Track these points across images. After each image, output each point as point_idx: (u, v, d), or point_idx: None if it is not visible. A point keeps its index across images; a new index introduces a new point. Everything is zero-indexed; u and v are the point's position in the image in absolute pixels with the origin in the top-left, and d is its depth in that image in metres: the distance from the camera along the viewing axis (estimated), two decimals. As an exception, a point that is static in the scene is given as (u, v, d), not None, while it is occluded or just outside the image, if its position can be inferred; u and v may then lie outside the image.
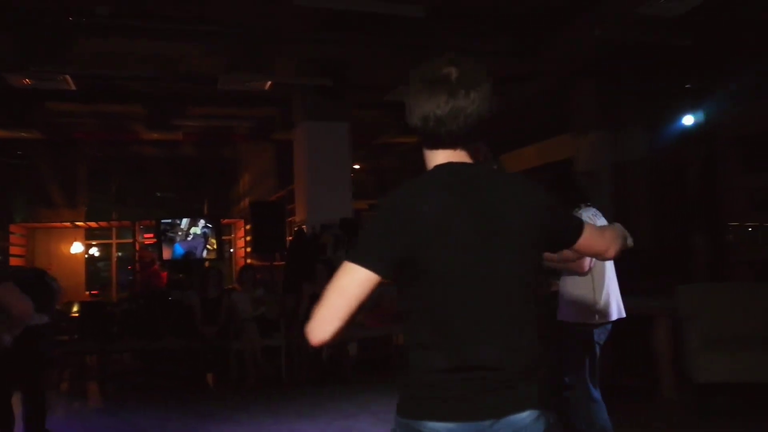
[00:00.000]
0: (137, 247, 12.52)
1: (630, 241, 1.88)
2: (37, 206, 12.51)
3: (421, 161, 1.58)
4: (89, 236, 13.39)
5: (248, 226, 12.14)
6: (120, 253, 13.76)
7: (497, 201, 1.47)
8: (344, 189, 8.51)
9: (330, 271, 6.94)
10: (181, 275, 9.96)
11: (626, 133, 8.17)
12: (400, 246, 1.41)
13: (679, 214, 7.33)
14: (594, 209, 3.56)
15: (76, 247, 12.68)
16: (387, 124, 10.74)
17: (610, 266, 3.61)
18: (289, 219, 9.77)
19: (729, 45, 6.69)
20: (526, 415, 1.41)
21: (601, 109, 8.32)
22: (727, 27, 6.45)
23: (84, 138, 11.80)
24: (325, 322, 1.40)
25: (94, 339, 7.19)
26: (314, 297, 6.89)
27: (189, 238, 11.41)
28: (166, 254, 11.31)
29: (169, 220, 11.48)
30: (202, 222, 11.65)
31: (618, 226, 1.89)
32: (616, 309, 3.62)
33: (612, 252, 1.76)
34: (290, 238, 9.38)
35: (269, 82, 7.77)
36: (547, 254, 1.71)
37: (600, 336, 3.56)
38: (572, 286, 3.54)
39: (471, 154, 1.53)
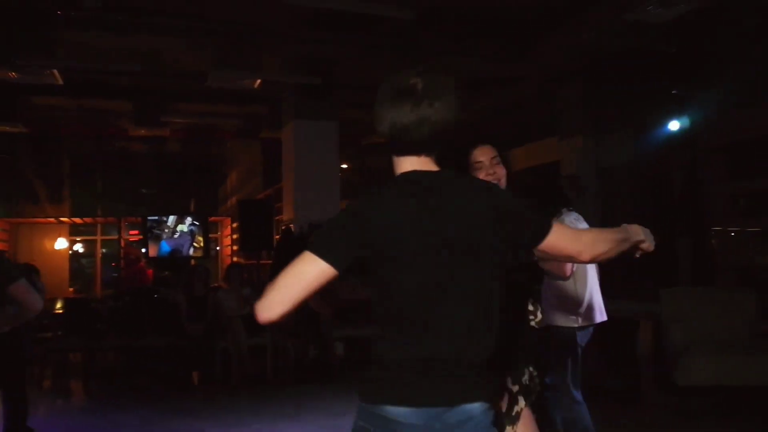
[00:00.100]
0: (122, 244, 12.45)
1: (648, 244, 1.79)
2: (21, 201, 12.39)
3: (445, 161, 1.68)
4: (73, 232, 13.29)
5: (235, 224, 12.11)
6: (104, 250, 13.67)
7: (455, 206, 1.54)
8: (332, 188, 8.50)
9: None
10: (167, 273, 9.92)
11: (612, 138, 8.24)
12: (357, 246, 1.51)
13: (663, 219, 7.41)
14: (576, 213, 3.58)
15: (60, 243, 12.58)
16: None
17: (592, 270, 3.65)
18: (277, 218, 9.75)
19: (713, 53, 6.77)
20: (476, 406, 1.50)
21: (588, 113, 8.39)
22: (712, 35, 6.54)
23: (69, 133, 11.70)
24: (275, 303, 1.50)
25: (78, 336, 7.13)
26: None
27: (175, 236, 11.36)
28: (152, 251, 11.26)
29: (156, 218, 11.43)
30: (189, 219, 11.61)
31: (626, 228, 1.76)
32: (599, 312, 3.66)
33: (586, 256, 1.65)
34: (277, 236, 9.37)
35: (258, 80, 7.75)
36: (537, 254, 1.74)
37: (582, 339, 3.60)
38: (555, 289, 3.57)
39: (437, 161, 1.63)
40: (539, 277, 2.36)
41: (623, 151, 8.14)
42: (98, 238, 13.48)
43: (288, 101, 8.69)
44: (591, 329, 3.63)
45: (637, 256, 1.86)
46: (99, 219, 13.18)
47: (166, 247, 11.27)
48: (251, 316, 6.19)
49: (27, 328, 3.84)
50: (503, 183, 2.32)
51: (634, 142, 8.04)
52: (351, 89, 8.43)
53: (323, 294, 1.57)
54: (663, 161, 7.82)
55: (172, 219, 11.51)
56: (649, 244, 1.79)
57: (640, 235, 1.77)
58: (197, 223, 11.68)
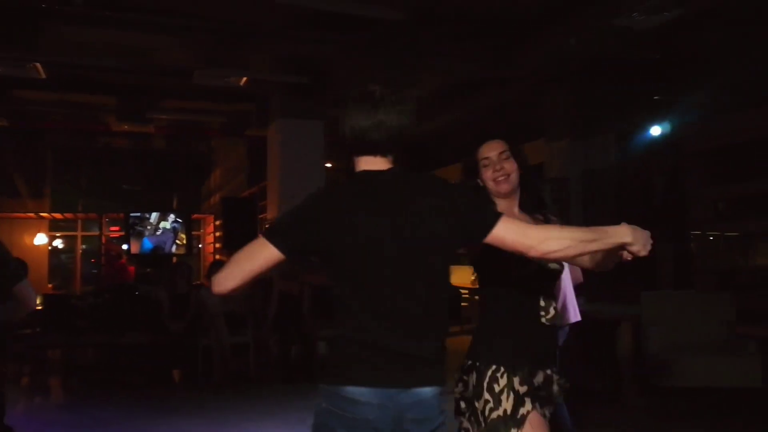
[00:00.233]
0: (104, 240, 12.33)
1: (637, 248, 1.69)
2: (1, 195, 12.21)
3: (402, 161, 1.80)
4: (53, 228, 13.12)
5: (218, 222, 12.05)
6: (85, 246, 13.51)
7: (406, 201, 1.66)
8: (317, 187, 8.49)
9: (302, 267, 6.96)
10: (149, 270, 9.84)
11: (597, 142, 8.33)
12: (305, 235, 1.67)
13: (645, 222, 7.49)
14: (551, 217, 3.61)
15: (40, 239, 12.42)
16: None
17: (565, 270, 3.65)
18: (261, 216, 9.72)
19: (695, 60, 6.87)
20: (427, 390, 1.64)
21: (574, 116, 8.46)
22: (695, 42, 6.63)
23: (52, 127, 11.55)
24: (229, 278, 1.67)
25: (58, 333, 7.06)
26: (285, 294, 6.89)
27: (158, 233, 11.28)
28: (134, 248, 11.17)
29: (138, 214, 11.34)
30: (172, 217, 11.53)
31: (602, 229, 1.71)
32: (573, 312, 3.69)
33: (535, 252, 1.65)
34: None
35: (245, 78, 7.72)
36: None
37: (559, 338, 3.63)
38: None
39: (393, 161, 1.75)
40: (551, 275, 2.17)
41: (607, 154, 8.24)
42: (78, 234, 13.32)
43: (274, 99, 8.67)
44: (566, 329, 3.67)
45: (628, 259, 1.80)
46: (80, 215, 13.03)
47: (148, 243, 11.18)
48: (234, 314, 6.18)
49: (6, 325, 3.80)
50: (513, 179, 2.19)
51: (618, 146, 8.13)
52: (339, 89, 8.43)
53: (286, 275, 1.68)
54: (645, 165, 7.92)
55: (154, 216, 11.43)
56: (639, 248, 1.71)
57: (625, 238, 1.69)
58: (180, 221, 11.61)
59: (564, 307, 3.65)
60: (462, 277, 9.70)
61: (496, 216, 1.68)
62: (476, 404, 2.06)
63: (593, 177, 8.24)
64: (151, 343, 6.92)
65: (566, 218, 3.69)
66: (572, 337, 3.79)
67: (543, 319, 2.12)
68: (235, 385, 6.39)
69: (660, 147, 7.61)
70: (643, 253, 1.71)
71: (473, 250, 2.00)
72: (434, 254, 1.67)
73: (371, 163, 1.73)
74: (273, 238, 1.67)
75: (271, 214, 8.95)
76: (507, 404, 2.02)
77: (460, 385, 2.13)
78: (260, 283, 7.62)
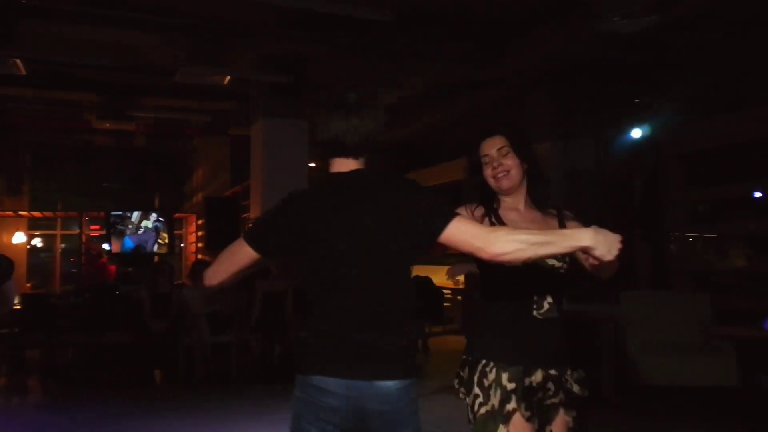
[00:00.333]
0: (84, 239, 12.21)
1: (601, 252, 1.61)
2: (-22, 193, 12.04)
3: (374, 162, 1.91)
4: (32, 226, 12.95)
5: (201, 221, 11.98)
6: (64, 245, 13.35)
7: (370, 201, 1.75)
8: (300, 187, 8.46)
9: (285, 269, 6.96)
10: (130, 269, 9.77)
11: (578, 143, 8.42)
12: (278, 235, 1.82)
13: (624, 224, 7.60)
14: None
15: (18, 237, 12.25)
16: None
17: None
18: (244, 215, 9.69)
19: (674, 65, 6.98)
20: (392, 384, 1.72)
21: (555, 118, 8.54)
22: (674, 47, 6.74)
23: (32, 124, 11.41)
24: (217, 274, 1.88)
25: (37, 332, 6.97)
26: (268, 294, 6.88)
27: (140, 232, 11.20)
28: (116, 247, 11.08)
29: (120, 213, 11.25)
30: (153, 215, 11.46)
31: (560, 232, 1.74)
32: None
33: (486, 254, 1.66)
34: (244, 234, 9.30)
35: (228, 77, 7.70)
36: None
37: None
38: None
39: (366, 163, 1.85)
40: (550, 271, 2.08)
41: (588, 156, 8.33)
42: (58, 232, 13.16)
43: (258, 98, 8.64)
44: None
45: (591, 263, 1.79)
46: (59, 213, 12.87)
47: (129, 243, 11.10)
48: (216, 314, 6.19)
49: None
50: (513, 175, 2.14)
51: (599, 148, 8.23)
52: (323, 89, 8.42)
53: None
54: (625, 167, 8.03)
55: (136, 215, 11.35)
56: (602, 252, 1.63)
57: (584, 242, 1.63)
58: (162, 220, 11.53)
59: None
60: (445, 277, 9.75)
61: (449, 217, 1.71)
62: (467, 399, 2.07)
63: (574, 178, 8.33)
64: (133, 342, 6.86)
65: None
66: None
67: (535, 313, 2.06)
68: (217, 385, 6.37)
69: (640, 149, 7.71)
70: (608, 257, 1.63)
71: (435, 250, 1.97)
72: (392, 253, 1.74)
73: (344, 165, 1.84)
74: (249, 239, 1.84)
75: (254, 213, 8.93)
76: (495, 399, 2.01)
77: (456, 380, 2.14)
78: (243, 282, 7.60)
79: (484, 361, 2.06)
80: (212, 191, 12.29)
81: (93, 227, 12.72)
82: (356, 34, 6.73)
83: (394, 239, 1.73)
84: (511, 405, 1.99)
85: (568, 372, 2.11)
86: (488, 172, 2.17)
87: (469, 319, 9.03)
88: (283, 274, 6.79)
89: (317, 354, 1.75)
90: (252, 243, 1.83)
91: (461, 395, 2.13)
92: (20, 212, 12.19)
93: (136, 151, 13.13)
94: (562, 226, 2.15)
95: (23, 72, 7.30)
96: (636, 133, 7.62)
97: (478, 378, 2.05)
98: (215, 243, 9.39)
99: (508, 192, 2.17)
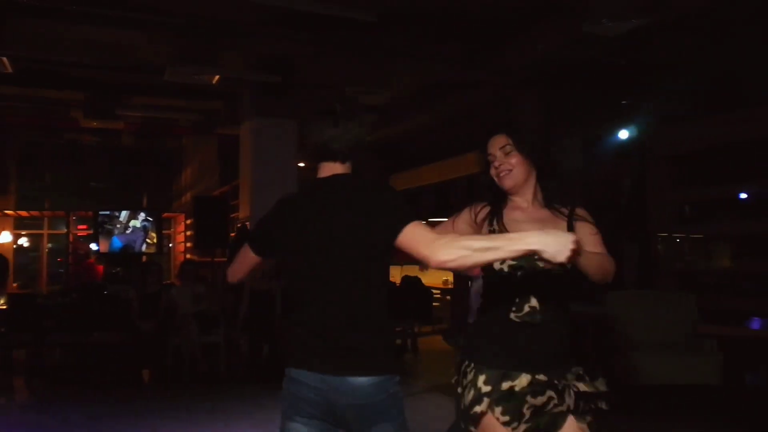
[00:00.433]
0: (71, 239, 12.13)
1: (550, 254, 1.59)
2: (-36, 192, 11.93)
3: (362, 163, 2.04)
4: (19, 225, 12.86)
5: (189, 221, 11.94)
6: (51, 245, 13.26)
7: (344, 205, 1.86)
8: (289, 187, 8.47)
9: (273, 269, 6.95)
10: (118, 269, 9.71)
11: (564, 145, 8.47)
12: (268, 238, 1.99)
13: (612, 224, 7.66)
14: None
15: (4, 237, 12.16)
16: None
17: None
18: (233, 215, 9.66)
19: (661, 66, 7.04)
20: (364, 380, 1.78)
21: (542, 120, 8.59)
22: (660, 49, 6.80)
23: (18, 123, 11.31)
24: (234, 272, 2.13)
25: (24, 332, 6.93)
26: (256, 293, 6.87)
27: (128, 231, 11.14)
28: (103, 247, 11.02)
29: (108, 212, 11.19)
30: (142, 215, 11.40)
31: (505, 236, 1.71)
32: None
33: (432, 261, 1.69)
34: (233, 234, 9.28)
35: (217, 77, 7.67)
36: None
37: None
38: (474, 289, 3.69)
39: (351, 168, 1.96)
40: (542, 273, 2.00)
41: (575, 157, 8.38)
42: (45, 232, 13.07)
43: (247, 98, 8.63)
44: None
45: (544, 266, 1.80)
46: (46, 212, 12.78)
47: (117, 242, 11.04)
48: (204, 314, 6.20)
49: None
50: (516, 173, 2.11)
51: (585, 150, 8.29)
52: (312, 88, 8.43)
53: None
54: (612, 169, 8.09)
55: (124, 214, 11.29)
56: (551, 255, 1.61)
57: (531, 245, 1.61)
58: (150, 219, 11.48)
59: (470, 308, 3.71)
60: (434, 277, 9.78)
61: (404, 223, 1.75)
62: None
63: (560, 179, 8.37)
64: (121, 342, 6.84)
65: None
66: None
67: (512, 316, 2.02)
68: (206, 385, 6.36)
69: (627, 150, 7.77)
70: (560, 258, 1.61)
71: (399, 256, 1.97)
72: (361, 255, 1.82)
73: (330, 169, 1.95)
74: (248, 241, 2.06)
75: (242, 213, 8.91)
76: (467, 399, 2.01)
77: (453, 380, 2.16)
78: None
79: (466, 362, 2.08)
80: (201, 191, 12.25)
81: (80, 227, 12.64)
82: (344, 34, 6.73)
83: (362, 242, 1.81)
84: (481, 407, 1.97)
85: (571, 377, 2.02)
86: (492, 171, 2.15)
87: (457, 319, 9.06)
88: (271, 273, 6.79)
89: (297, 348, 1.88)
90: (250, 244, 2.05)
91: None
92: (6, 211, 12.10)
93: (124, 150, 13.06)
94: (570, 227, 2.09)
95: (9, 70, 7.25)
96: (623, 134, 7.68)
97: (460, 378, 2.08)
98: (204, 243, 9.35)
99: (512, 190, 2.14)
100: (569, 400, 2.00)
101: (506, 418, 1.94)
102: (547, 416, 1.97)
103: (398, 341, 8.03)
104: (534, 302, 2.03)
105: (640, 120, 7.55)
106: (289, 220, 1.93)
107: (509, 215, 2.14)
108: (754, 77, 6.36)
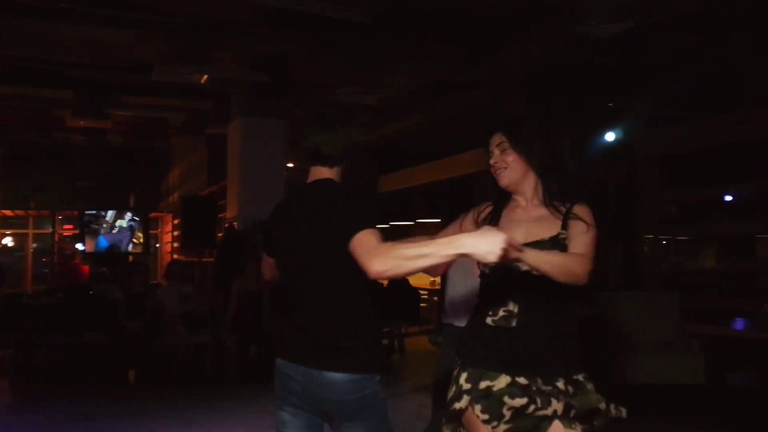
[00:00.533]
0: (57, 238, 12.04)
1: (481, 256, 1.60)
2: (-52, 191, 11.80)
3: (355, 165, 2.14)
4: (3, 225, 12.75)
5: (177, 221, 11.88)
6: (36, 244, 13.14)
7: (324, 209, 1.93)
8: (278, 187, 8.46)
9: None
10: (104, 269, 9.65)
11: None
12: (267, 239, 2.14)
13: (599, 226, 7.70)
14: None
15: (-11, 236, 12.05)
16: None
17: (463, 271, 3.59)
18: (221, 215, 9.63)
19: (648, 69, 7.10)
20: (341, 376, 1.85)
21: (540, 119, 8.61)
22: (648, 52, 6.85)
23: (4, 121, 11.21)
24: (264, 271, 2.29)
25: (9, 333, 6.86)
26: (244, 293, 6.84)
27: (114, 231, 11.07)
28: (89, 247, 10.94)
29: (94, 212, 11.11)
30: (128, 215, 11.33)
31: (436, 242, 1.67)
32: (464, 314, 3.70)
33: (370, 271, 1.70)
34: (221, 234, 9.25)
35: (205, 76, 7.64)
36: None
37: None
38: (458, 288, 3.71)
39: (342, 171, 2.05)
40: (524, 275, 1.97)
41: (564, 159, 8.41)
42: (30, 231, 12.95)
43: (236, 98, 8.60)
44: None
45: (522, 267, 1.83)
46: (31, 212, 12.67)
47: (103, 242, 10.96)
48: (192, 314, 6.14)
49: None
50: (510, 172, 2.09)
51: (573, 151, 8.33)
52: (303, 88, 8.42)
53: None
54: (600, 170, 8.14)
55: (110, 214, 11.21)
56: (481, 256, 1.61)
57: (462, 248, 1.62)
58: (137, 219, 11.41)
59: (453, 306, 3.74)
60: (422, 278, 9.79)
61: (358, 230, 1.78)
62: None
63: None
64: (107, 342, 6.79)
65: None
66: None
67: (488, 320, 2.03)
68: (194, 385, 6.33)
69: (614, 152, 7.83)
70: (490, 259, 1.61)
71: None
72: (340, 258, 1.84)
73: (319, 173, 2.03)
74: (262, 244, 2.21)
75: (230, 213, 8.88)
76: (449, 395, 2.04)
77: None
78: (219, 282, 7.57)
79: (457, 359, 2.11)
80: (189, 190, 12.20)
81: (66, 226, 12.54)
82: (336, 34, 6.73)
83: (338, 246, 1.84)
84: (460, 404, 1.98)
85: (561, 382, 1.96)
86: (492, 169, 2.14)
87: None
88: (259, 273, 6.77)
89: (285, 340, 2.01)
90: (264, 249, 2.23)
91: None
92: (-9, 210, 11.99)
93: (111, 149, 12.99)
94: (564, 226, 2.05)
95: (-4, 68, 7.19)
96: (611, 135, 7.73)
97: (453, 373, 2.11)
98: (191, 243, 9.32)
99: (509, 188, 2.12)
100: (557, 405, 1.94)
101: (486, 417, 1.94)
102: (530, 419, 1.94)
103: (385, 342, 8.03)
104: (511, 306, 2.01)
105: (627, 121, 7.61)
106: (281, 223, 2.04)
107: (510, 214, 2.13)
108: (744, 80, 6.43)
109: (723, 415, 5.08)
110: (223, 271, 7.63)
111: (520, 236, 1.95)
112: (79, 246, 11.03)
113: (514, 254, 1.69)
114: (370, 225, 1.79)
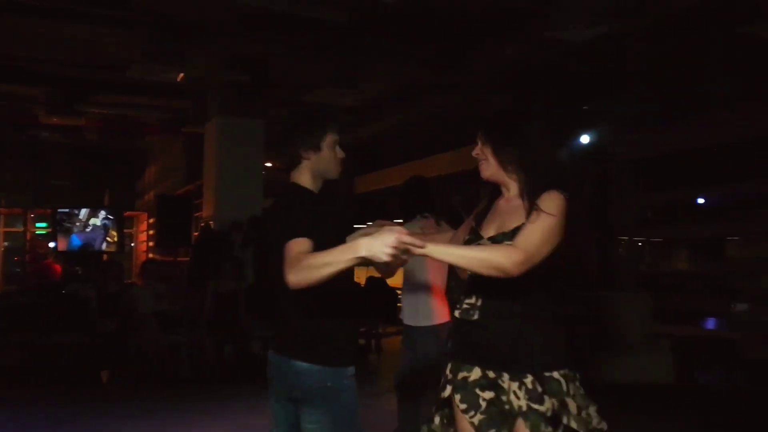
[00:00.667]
0: (29, 237, 11.84)
1: (371, 256, 1.67)
2: None
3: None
4: (-26, 223, 12.50)
5: (152, 220, 11.75)
6: (7, 243, 12.91)
7: (276, 213, 2.11)
8: (255, 187, 8.42)
9: (238, 268, 6.89)
10: (77, 268, 9.51)
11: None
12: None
13: (572, 215, 7.78)
14: (428, 220, 3.70)
15: (-41, 234, 11.81)
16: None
17: (421, 273, 3.69)
18: (196, 214, 9.56)
19: (623, 74, 7.21)
20: (305, 366, 2.02)
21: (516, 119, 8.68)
22: (623, 57, 6.96)
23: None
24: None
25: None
26: (219, 294, 6.80)
27: (87, 230, 10.92)
28: (62, 245, 10.79)
29: (67, 210, 10.95)
30: (102, 213, 11.19)
31: (337, 248, 1.76)
32: (415, 315, 3.75)
33: (289, 282, 1.82)
34: (196, 233, 9.18)
35: (181, 74, 7.57)
36: None
37: (419, 337, 3.70)
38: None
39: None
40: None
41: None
42: (1, 230, 12.72)
43: (214, 97, 8.54)
44: (427, 331, 3.67)
45: (382, 272, 1.99)
46: (2, 210, 12.44)
47: (76, 240, 10.81)
48: (166, 314, 6.09)
49: None
50: (487, 164, 2.13)
51: (551, 148, 8.41)
52: (280, 88, 8.39)
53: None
54: (575, 172, 8.24)
55: (84, 212, 11.06)
56: (374, 256, 1.69)
57: (358, 252, 1.71)
58: (111, 217, 11.27)
59: (408, 308, 3.77)
60: (399, 278, 9.80)
61: (289, 238, 1.91)
62: None
63: (531, 172, 8.48)
64: (79, 343, 6.70)
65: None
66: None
67: (456, 312, 2.10)
68: (168, 386, 6.27)
69: (589, 155, 7.93)
70: (382, 258, 1.68)
71: None
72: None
73: (290, 177, 2.17)
74: None
75: (206, 212, 8.82)
76: (440, 384, 2.09)
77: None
78: (194, 282, 7.50)
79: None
80: (165, 189, 12.08)
81: (39, 225, 12.34)
82: (313, 35, 6.72)
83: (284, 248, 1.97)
84: (445, 393, 2.04)
85: (529, 379, 1.94)
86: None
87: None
88: (234, 274, 6.75)
89: (274, 333, 2.21)
90: None
91: None
92: (-39, 208, 11.75)
93: (86, 147, 12.80)
94: (528, 216, 2.03)
95: (-33, 63, 7.06)
96: (585, 139, 7.83)
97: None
98: (167, 242, 9.23)
99: (490, 180, 2.16)
100: (523, 402, 1.93)
101: (464, 406, 1.97)
102: (500, 413, 1.95)
103: (362, 341, 8.04)
104: (473, 299, 2.04)
105: (602, 125, 7.71)
106: (264, 223, 2.20)
107: (496, 206, 2.18)
108: (715, 85, 6.55)
109: (693, 414, 5.18)
110: (198, 271, 7.57)
111: (493, 229, 2.06)
112: (52, 244, 10.87)
113: (417, 251, 1.74)
114: (300, 234, 1.90)
